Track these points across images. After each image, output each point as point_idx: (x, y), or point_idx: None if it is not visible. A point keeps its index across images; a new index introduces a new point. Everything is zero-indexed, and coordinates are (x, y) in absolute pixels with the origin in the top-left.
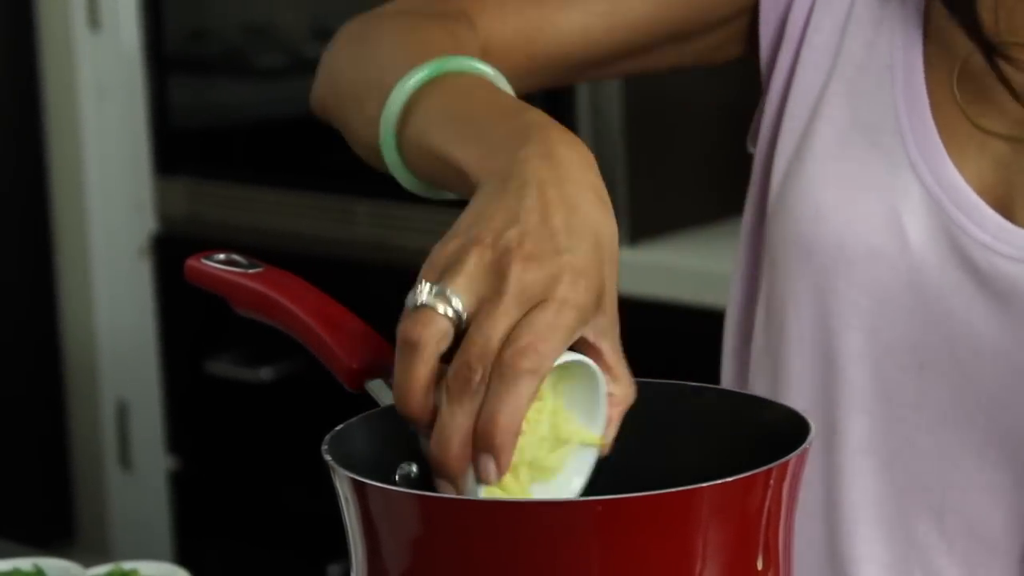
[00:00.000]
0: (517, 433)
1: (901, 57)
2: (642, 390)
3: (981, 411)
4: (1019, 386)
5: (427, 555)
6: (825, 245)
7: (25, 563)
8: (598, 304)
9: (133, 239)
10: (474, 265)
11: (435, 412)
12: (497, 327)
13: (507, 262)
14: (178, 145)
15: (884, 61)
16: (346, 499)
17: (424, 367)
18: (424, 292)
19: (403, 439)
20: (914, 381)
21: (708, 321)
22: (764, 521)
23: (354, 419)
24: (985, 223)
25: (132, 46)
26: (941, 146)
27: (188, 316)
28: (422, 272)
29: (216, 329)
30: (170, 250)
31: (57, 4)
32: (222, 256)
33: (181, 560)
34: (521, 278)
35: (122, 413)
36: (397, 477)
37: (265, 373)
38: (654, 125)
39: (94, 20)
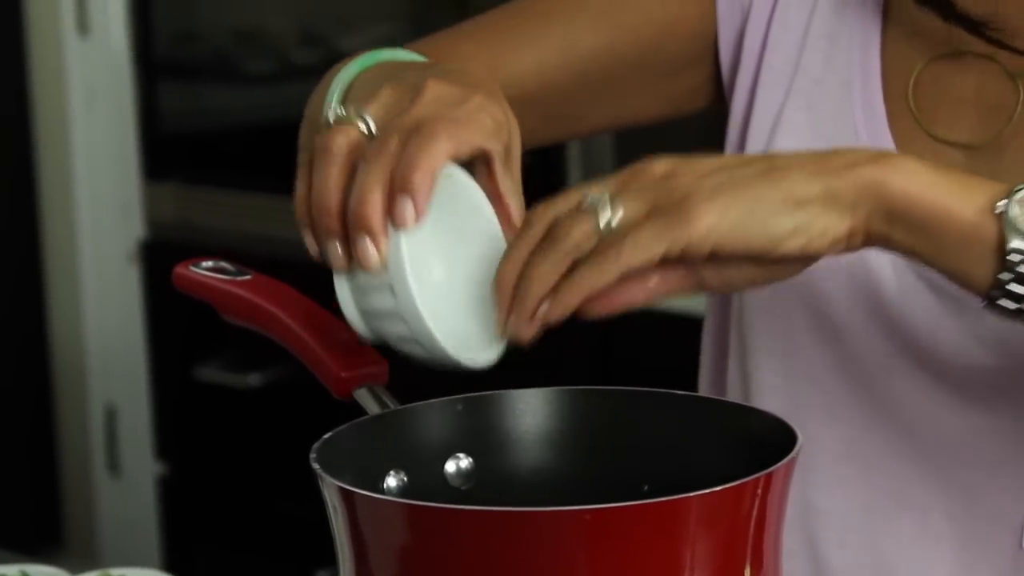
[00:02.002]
0: (433, 180)
1: (858, 70)
2: (630, 398)
3: (951, 409)
4: (980, 382)
5: (415, 563)
6: None
7: (12, 570)
8: (507, 145)
9: (121, 244)
10: (388, 93)
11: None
12: (413, 113)
13: (421, 86)
14: (167, 150)
15: (842, 75)
16: (334, 507)
17: (337, 169)
18: (339, 108)
19: (391, 447)
20: (885, 386)
21: (697, 329)
22: (752, 530)
23: (342, 427)
24: None
25: (121, 50)
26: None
27: (176, 321)
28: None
29: (205, 334)
30: (158, 255)
31: (46, 8)
32: (210, 263)
33: (169, 566)
34: (434, 88)
35: (110, 418)
36: (385, 485)
37: (254, 379)
38: (643, 132)
39: (83, 24)
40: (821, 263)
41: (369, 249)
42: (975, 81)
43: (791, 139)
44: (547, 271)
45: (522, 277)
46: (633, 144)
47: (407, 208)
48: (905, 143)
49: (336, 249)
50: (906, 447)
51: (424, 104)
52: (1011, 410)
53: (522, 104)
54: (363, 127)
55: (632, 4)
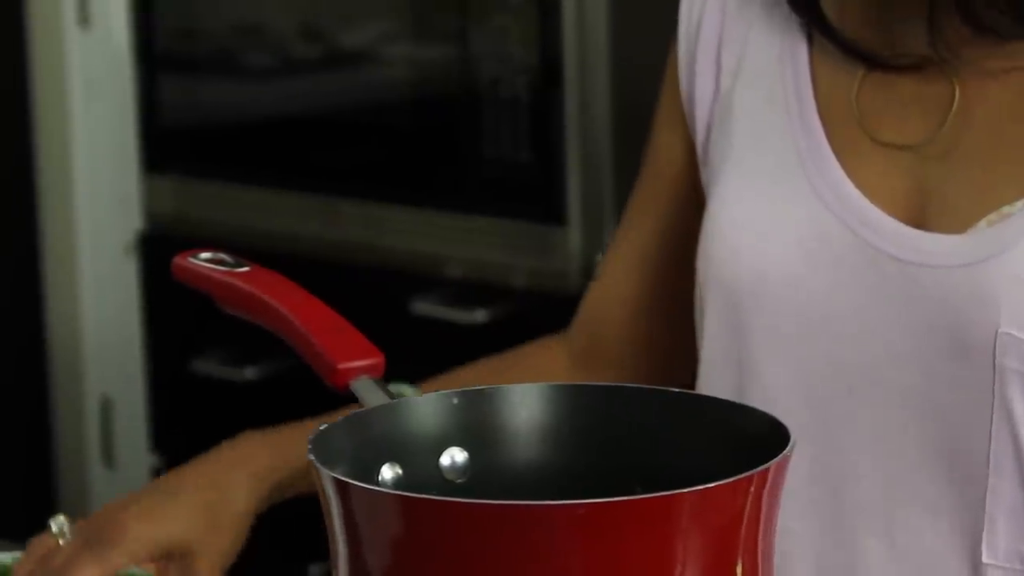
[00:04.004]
0: None
1: (794, 95)
2: (624, 395)
3: (910, 423)
4: (939, 392)
5: (409, 556)
6: (743, 284)
7: (6, 557)
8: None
9: (120, 236)
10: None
11: None
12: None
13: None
14: (166, 143)
15: (780, 106)
16: (329, 499)
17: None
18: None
19: (386, 440)
20: (845, 403)
21: None
22: (744, 527)
23: (338, 419)
24: (889, 234)
25: (122, 44)
26: (840, 169)
27: (173, 314)
28: None
29: (201, 328)
30: (157, 248)
31: (47, 1)
32: (209, 254)
33: None
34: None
35: (106, 410)
36: (380, 478)
37: (250, 372)
38: (641, 127)
39: (84, 18)
40: (778, 284)
41: None
42: (915, 83)
43: (737, 173)
44: None
45: None
46: (632, 137)
47: None
48: (851, 153)
49: None
50: (870, 466)
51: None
52: (966, 425)
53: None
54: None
55: (658, 187)
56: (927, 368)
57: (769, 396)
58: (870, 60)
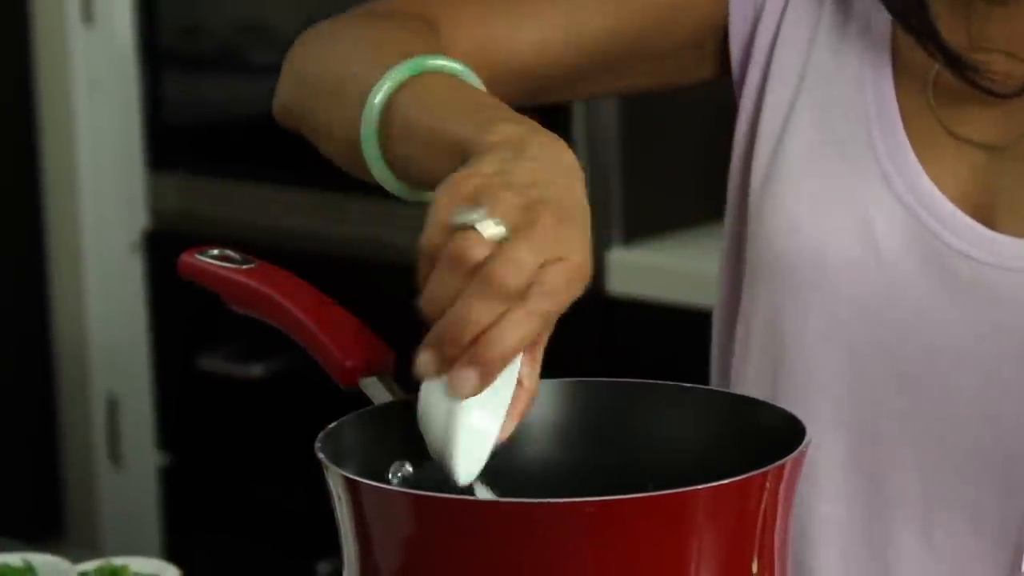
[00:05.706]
0: (507, 362)
1: (870, 68)
2: (637, 391)
3: (962, 423)
4: (998, 396)
5: (419, 554)
6: (800, 260)
7: (14, 558)
8: None
9: (125, 234)
10: (508, 201)
11: None
12: (538, 253)
13: (539, 211)
14: (171, 141)
15: (853, 73)
16: (339, 497)
17: (463, 284)
18: (470, 214)
19: (397, 437)
20: (895, 394)
21: (701, 322)
22: (760, 524)
23: (347, 417)
24: (962, 231)
25: (126, 41)
26: (913, 156)
27: (180, 311)
28: (443, 191)
29: (208, 325)
30: (162, 245)
31: None
32: (216, 252)
33: (171, 556)
34: (554, 228)
35: (113, 408)
36: (391, 476)
37: (256, 369)
38: (648, 125)
39: (88, 14)
40: (836, 264)
41: (472, 382)
42: (999, 80)
43: (800, 139)
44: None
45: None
46: (640, 140)
47: (471, 378)
48: (924, 141)
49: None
50: (913, 460)
51: (543, 245)
52: (1019, 432)
53: (515, 77)
54: (494, 235)
55: None
56: (987, 369)
57: (812, 378)
58: (951, 61)
